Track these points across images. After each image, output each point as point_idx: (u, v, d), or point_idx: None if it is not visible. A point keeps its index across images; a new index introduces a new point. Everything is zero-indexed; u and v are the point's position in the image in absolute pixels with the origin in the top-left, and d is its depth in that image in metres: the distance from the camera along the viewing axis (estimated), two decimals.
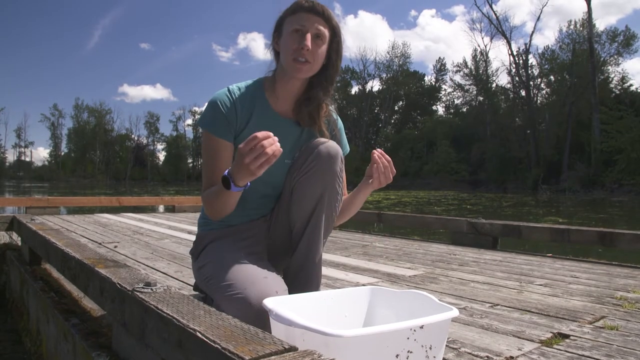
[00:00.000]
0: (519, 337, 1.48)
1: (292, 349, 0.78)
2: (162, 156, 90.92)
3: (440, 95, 64.65)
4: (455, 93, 60.76)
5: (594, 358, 1.29)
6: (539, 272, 2.72)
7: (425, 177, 48.64)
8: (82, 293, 1.80)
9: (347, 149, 1.72)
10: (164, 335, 0.96)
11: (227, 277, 1.33)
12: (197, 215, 5.91)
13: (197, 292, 1.77)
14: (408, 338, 1.01)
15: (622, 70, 45.04)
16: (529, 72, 48.06)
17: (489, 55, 53.59)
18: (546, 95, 49.27)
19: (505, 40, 48.27)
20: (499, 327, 1.59)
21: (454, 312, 1.08)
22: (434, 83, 65.69)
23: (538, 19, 48.17)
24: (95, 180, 78.68)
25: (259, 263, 1.42)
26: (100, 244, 3.52)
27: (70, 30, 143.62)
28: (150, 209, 8.81)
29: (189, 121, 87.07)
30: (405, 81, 63.81)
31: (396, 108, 66.20)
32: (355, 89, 66.22)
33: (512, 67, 48.66)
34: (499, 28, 48.33)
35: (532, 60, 48.56)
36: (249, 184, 1.31)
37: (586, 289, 2.26)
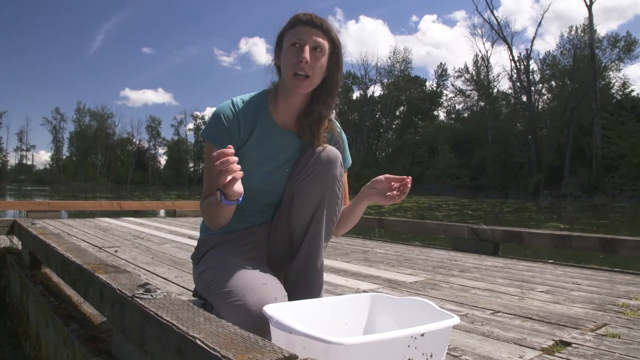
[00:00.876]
0: (520, 345, 1.47)
1: (293, 357, 0.77)
2: (163, 160, 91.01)
3: (442, 100, 64.80)
4: (456, 98, 60.94)
5: None
6: (540, 279, 2.71)
7: (427, 183, 48.56)
8: (82, 298, 1.79)
9: (350, 162, 1.70)
10: (164, 342, 0.95)
11: (226, 283, 1.32)
12: (198, 220, 5.92)
13: (196, 298, 1.76)
14: (409, 346, 1.00)
15: (623, 75, 45.08)
16: (530, 77, 48.13)
17: (490, 60, 53.83)
18: (547, 101, 49.33)
19: (506, 46, 48.35)
20: (500, 335, 1.59)
21: (455, 320, 1.08)
22: (435, 88, 65.83)
23: (539, 24, 48.26)
24: (96, 184, 78.74)
25: (259, 269, 1.42)
26: (100, 248, 3.51)
27: (72, 34, 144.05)
28: (151, 214, 8.79)
29: (191, 125, 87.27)
30: (406, 86, 63.86)
31: (397, 113, 66.32)
32: (356, 94, 66.33)
33: (513, 73, 48.75)
34: (500, 33, 48.42)
35: (533, 65, 48.69)
36: (240, 199, 1.31)
37: (588, 296, 2.25)
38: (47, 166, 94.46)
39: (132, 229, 5.02)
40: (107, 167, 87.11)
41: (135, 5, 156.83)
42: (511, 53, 48.07)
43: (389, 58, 65.70)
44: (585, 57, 42.88)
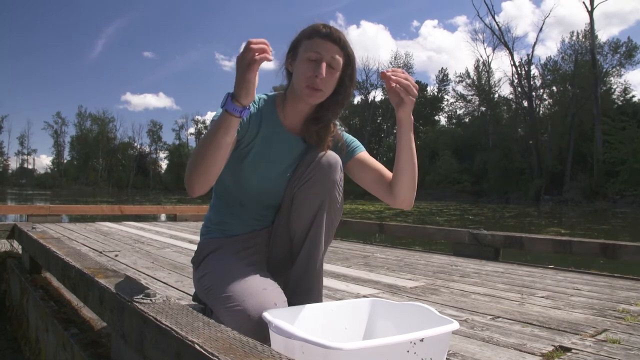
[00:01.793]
0: (520, 350, 1.47)
1: None
2: (164, 165, 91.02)
3: (443, 105, 64.73)
4: (457, 103, 60.91)
5: None
6: (540, 284, 2.70)
7: (428, 188, 48.53)
8: (82, 302, 1.79)
9: (362, 147, 1.68)
10: (163, 347, 0.95)
11: (226, 288, 1.32)
12: (199, 224, 5.92)
13: (196, 303, 1.76)
14: (408, 351, 1.00)
15: (625, 81, 45.33)
16: (531, 82, 48.12)
17: (492, 65, 53.75)
18: (548, 106, 49.32)
19: (507, 51, 48.36)
20: (500, 340, 1.58)
21: (455, 325, 1.08)
22: (436, 93, 65.81)
23: (540, 30, 48.42)
24: (97, 188, 78.81)
25: (259, 274, 1.42)
26: (101, 252, 3.51)
27: (74, 38, 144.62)
28: (152, 218, 8.80)
29: (192, 130, 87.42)
30: None
31: None
32: (358, 99, 66.35)
33: (514, 78, 48.75)
34: (502, 39, 48.48)
35: (534, 71, 48.69)
36: (244, 114, 1.25)
37: (588, 302, 2.25)
38: (48, 170, 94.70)
39: (132, 234, 5.02)
40: (108, 171, 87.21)
41: (137, 10, 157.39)
42: (512, 58, 48.14)
43: (390, 63, 65.53)
44: (586, 63, 42.90)
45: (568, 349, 1.49)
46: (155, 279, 2.58)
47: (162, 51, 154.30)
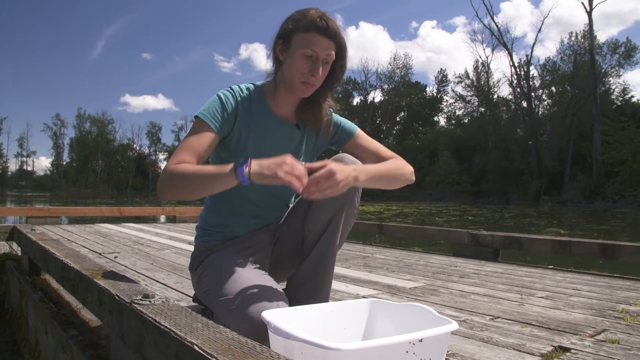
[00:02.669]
0: (519, 351, 1.47)
1: None
2: (163, 166, 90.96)
3: (442, 106, 64.90)
4: (456, 104, 61.06)
5: None
6: (540, 285, 2.70)
7: (427, 188, 48.58)
8: (81, 304, 1.79)
9: (354, 126, 1.67)
10: (162, 348, 0.95)
11: (225, 289, 1.32)
12: None
13: (196, 304, 1.76)
14: (407, 352, 1.00)
15: (624, 81, 45.25)
16: (531, 83, 48.21)
17: (491, 66, 53.86)
18: (548, 107, 49.38)
19: (506, 52, 48.46)
20: (499, 340, 1.58)
21: (454, 326, 1.08)
22: (435, 94, 65.99)
23: (539, 30, 48.40)
24: (96, 189, 78.80)
25: (258, 274, 1.42)
26: (100, 254, 3.51)
27: (73, 40, 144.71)
28: (152, 219, 8.80)
29: None
30: (407, 92, 63.97)
31: (398, 119, 66.35)
32: (357, 100, 66.42)
33: (513, 78, 48.84)
34: (501, 39, 48.56)
35: (533, 71, 48.78)
36: (246, 182, 1.25)
37: (587, 302, 2.25)
38: (48, 172, 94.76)
39: (132, 235, 5.02)
40: (108, 173, 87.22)
41: (136, 12, 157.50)
42: (511, 59, 48.22)
43: (390, 64, 65.83)
44: (585, 63, 42.96)
45: (567, 349, 1.49)
46: (155, 280, 2.58)
47: (161, 53, 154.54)
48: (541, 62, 52.08)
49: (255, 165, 1.24)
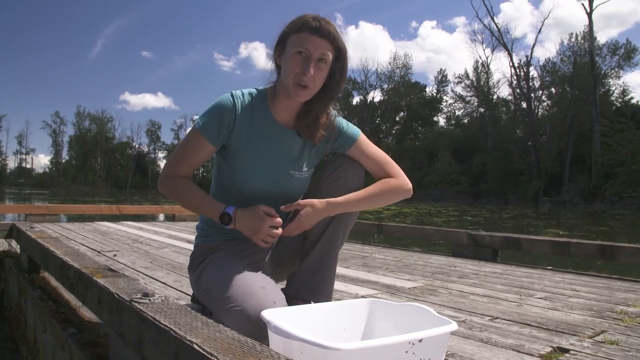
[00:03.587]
0: (518, 351, 1.47)
1: None
2: (163, 164, 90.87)
3: (442, 106, 64.83)
4: (456, 104, 61.05)
5: None
6: (539, 285, 2.71)
7: (426, 189, 48.56)
8: (80, 302, 1.79)
9: (358, 131, 1.66)
10: (161, 347, 0.95)
11: (224, 289, 1.32)
12: None
13: (195, 303, 1.76)
14: (407, 351, 1.00)
15: (623, 83, 45.09)
16: (530, 84, 48.19)
17: (490, 67, 53.86)
18: (547, 107, 49.37)
19: (506, 52, 48.44)
20: (498, 341, 1.58)
21: (453, 326, 1.08)
22: (435, 94, 65.93)
23: (539, 31, 48.29)
24: (96, 187, 78.69)
25: (257, 273, 1.42)
26: (99, 252, 3.51)
27: (73, 38, 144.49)
28: (151, 218, 8.80)
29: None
30: (406, 92, 63.91)
31: (397, 119, 66.31)
32: (356, 100, 66.34)
33: (513, 79, 48.82)
34: (501, 40, 48.54)
35: (533, 72, 48.74)
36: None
37: (586, 303, 2.25)
38: (47, 170, 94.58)
39: (131, 233, 5.01)
40: (107, 171, 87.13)
41: (136, 10, 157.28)
42: (511, 59, 48.19)
43: (389, 64, 65.75)
44: (585, 64, 42.93)
45: (566, 350, 1.49)
46: (154, 278, 2.58)
47: (161, 51, 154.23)
48: (541, 63, 52.12)
49: (238, 222, 1.42)
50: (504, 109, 53.48)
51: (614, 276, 3.06)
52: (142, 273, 2.73)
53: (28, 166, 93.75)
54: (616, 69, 43.86)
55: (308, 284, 1.55)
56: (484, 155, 47.71)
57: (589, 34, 41.99)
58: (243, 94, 1.50)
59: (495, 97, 53.77)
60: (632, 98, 43.51)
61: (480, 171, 46.73)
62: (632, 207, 30.40)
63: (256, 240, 1.40)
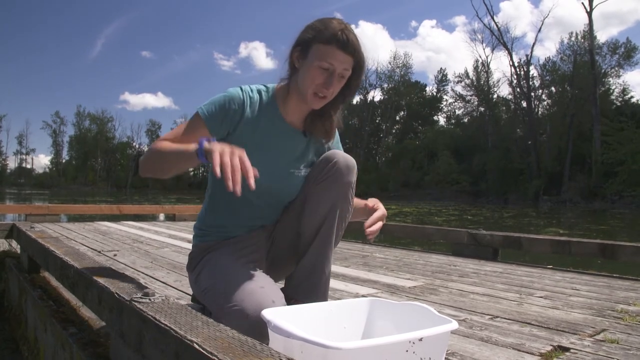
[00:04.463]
0: (518, 350, 1.47)
1: None
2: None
3: (442, 105, 64.74)
4: (456, 104, 60.91)
5: None
6: (539, 284, 2.71)
7: (426, 188, 48.58)
8: (81, 302, 1.79)
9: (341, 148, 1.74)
10: (162, 346, 0.95)
11: (223, 289, 1.32)
12: None
13: (194, 303, 1.76)
14: (407, 350, 1.00)
15: (623, 82, 45.05)
16: (530, 83, 48.14)
17: (490, 66, 53.73)
18: (547, 107, 49.33)
19: (506, 51, 48.36)
20: (498, 340, 1.58)
21: (453, 325, 1.08)
22: (435, 93, 65.83)
23: (539, 30, 48.24)
24: (96, 187, 78.69)
25: (255, 272, 1.42)
26: (99, 252, 3.51)
27: (73, 38, 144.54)
28: (151, 218, 8.79)
29: None
30: (406, 91, 63.82)
31: (397, 118, 66.23)
32: (356, 99, 66.23)
33: (513, 78, 48.75)
34: (500, 39, 48.47)
35: (533, 71, 48.67)
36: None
37: (587, 302, 2.25)
38: (47, 170, 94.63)
39: (131, 233, 5.01)
40: (107, 170, 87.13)
41: (136, 10, 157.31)
42: (511, 59, 48.15)
43: (389, 63, 65.74)
44: (585, 63, 42.88)
45: (567, 349, 1.49)
46: (154, 278, 2.58)
47: (160, 51, 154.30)
48: (541, 62, 51.96)
49: (208, 147, 1.20)
50: (504, 108, 53.43)
51: (615, 275, 3.06)
52: (143, 273, 2.73)
53: (28, 166, 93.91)
54: (616, 68, 43.81)
55: (304, 286, 1.55)
56: (484, 154, 47.67)
57: (589, 32, 41.97)
58: (252, 90, 1.50)
59: (495, 96, 53.72)
60: (632, 97, 43.53)
61: (480, 170, 46.70)
62: (632, 206, 30.39)
63: (220, 160, 1.16)
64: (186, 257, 1.63)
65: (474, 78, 55.61)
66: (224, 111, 1.44)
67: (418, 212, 20.81)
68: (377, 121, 66.20)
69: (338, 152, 1.54)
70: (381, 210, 1.59)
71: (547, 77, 48.55)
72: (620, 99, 43.87)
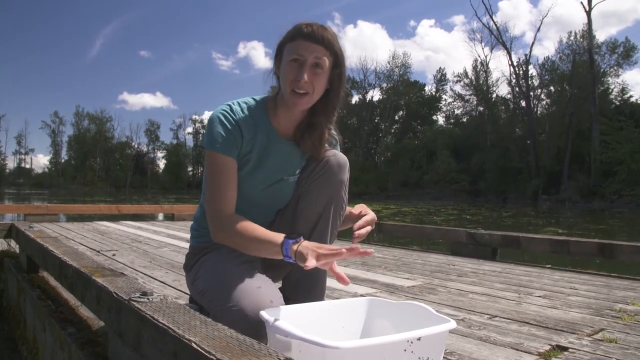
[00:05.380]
0: (517, 349, 1.47)
1: None
2: (162, 164, 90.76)
3: (441, 105, 64.71)
4: (455, 103, 60.87)
5: None
6: (537, 284, 2.71)
7: (425, 187, 48.59)
8: (79, 302, 1.79)
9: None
10: (160, 346, 0.95)
11: (221, 289, 1.32)
12: None
13: (192, 304, 1.76)
14: (405, 350, 1.00)
15: (622, 81, 45.17)
16: (529, 82, 48.12)
17: (489, 65, 53.72)
18: (546, 106, 49.32)
19: (505, 51, 48.32)
20: (497, 339, 1.59)
21: (452, 324, 1.08)
22: (434, 93, 65.81)
23: (538, 29, 48.16)
24: (95, 187, 78.60)
25: (252, 272, 1.41)
26: (98, 252, 3.51)
27: (72, 38, 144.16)
28: (150, 217, 8.79)
29: (190, 129, 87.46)
30: (405, 91, 63.81)
31: (396, 118, 66.21)
32: (355, 99, 66.21)
33: (512, 78, 48.72)
34: (499, 38, 48.44)
35: (532, 70, 48.63)
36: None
37: (585, 301, 2.25)
38: (46, 170, 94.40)
39: (130, 233, 5.01)
40: (106, 170, 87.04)
41: (134, 10, 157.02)
42: (510, 58, 48.12)
43: (388, 62, 65.58)
44: (584, 63, 42.86)
45: (565, 348, 1.49)
46: (153, 278, 2.58)
47: (159, 51, 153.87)
48: (540, 62, 51.89)
49: (302, 255, 1.25)
50: (503, 107, 53.40)
51: (613, 274, 3.07)
52: (141, 272, 2.73)
53: (27, 166, 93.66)
54: (615, 67, 43.82)
55: (301, 286, 1.55)
56: (483, 153, 47.66)
57: (588, 32, 41.94)
58: (242, 109, 1.46)
59: (494, 95, 53.68)
60: (631, 96, 43.50)
61: (479, 170, 46.69)
62: (631, 206, 30.41)
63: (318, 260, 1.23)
64: (185, 257, 1.63)
65: (472, 77, 55.61)
66: (232, 137, 1.41)
67: (417, 212, 20.82)
68: (376, 121, 66.19)
69: (329, 151, 1.54)
70: (370, 214, 1.55)
71: (546, 77, 48.56)
72: (619, 99, 43.88)
